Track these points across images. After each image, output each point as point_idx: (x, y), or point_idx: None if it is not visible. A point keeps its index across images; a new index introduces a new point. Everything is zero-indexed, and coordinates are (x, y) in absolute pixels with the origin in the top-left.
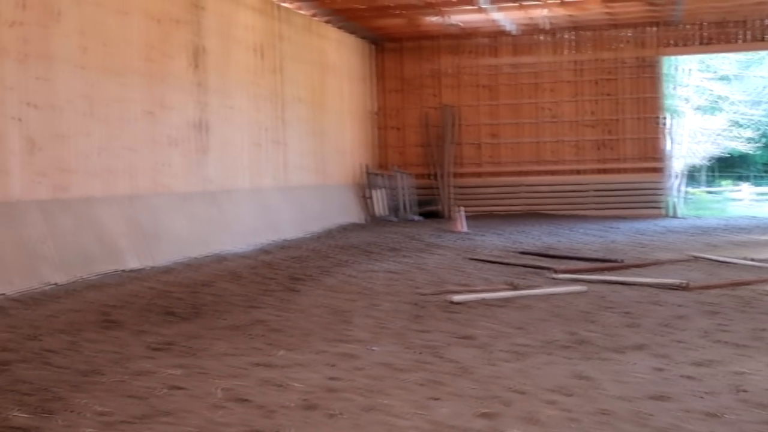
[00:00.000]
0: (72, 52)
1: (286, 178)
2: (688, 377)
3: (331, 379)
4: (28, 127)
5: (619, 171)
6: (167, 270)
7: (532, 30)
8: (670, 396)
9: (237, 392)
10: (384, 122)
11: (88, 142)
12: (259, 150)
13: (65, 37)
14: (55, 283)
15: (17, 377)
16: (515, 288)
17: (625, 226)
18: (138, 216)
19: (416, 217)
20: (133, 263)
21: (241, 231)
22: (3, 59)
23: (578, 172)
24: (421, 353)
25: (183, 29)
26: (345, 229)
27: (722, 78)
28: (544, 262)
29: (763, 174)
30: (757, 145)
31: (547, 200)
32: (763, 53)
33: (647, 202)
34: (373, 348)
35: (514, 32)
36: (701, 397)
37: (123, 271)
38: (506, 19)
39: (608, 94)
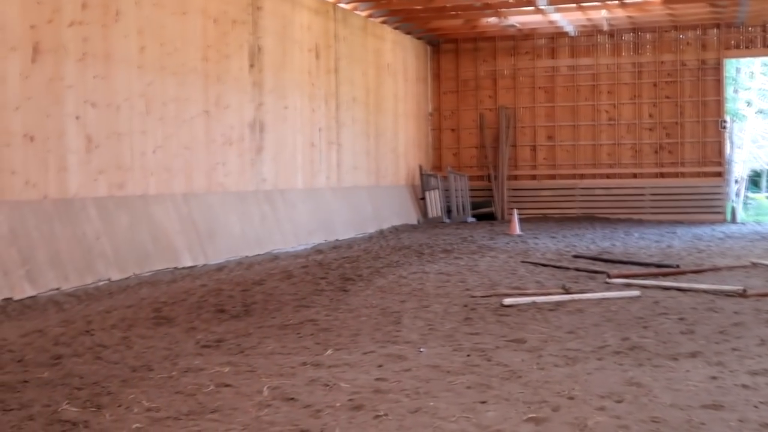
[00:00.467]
0: (130, 52)
1: (339, 178)
2: (744, 386)
3: (379, 379)
4: (86, 125)
5: (677, 175)
6: (220, 268)
7: (590, 31)
8: (724, 405)
9: (284, 391)
10: (439, 123)
11: (144, 141)
12: (314, 150)
13: (124, 36)
14: (109, 279)
15: (69, 371)
16: (568, 292)
17: (682, 231)
18: (192, 214)
19: (470, 219)
20: (186, 261)
21: (294, 230)
22: (63, 58)
23: (636, 175)
24: (469, 356)
25: (240, 29)
26: (398, 230)
27: None
28: (598, 266)
29: None
30: None
31: (603, 204)
32: None
33: (706, 206)
34: (422, 349)
35: (572, 34)
36: (756, 407)
37: (176, 268)
38: (565, 20)
39: (668, 97)
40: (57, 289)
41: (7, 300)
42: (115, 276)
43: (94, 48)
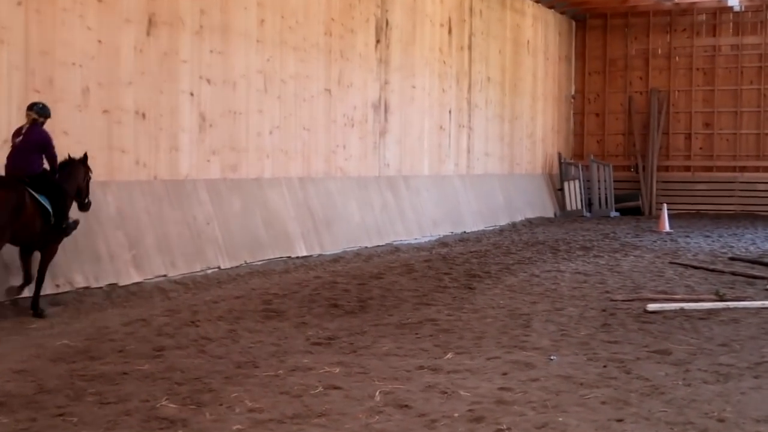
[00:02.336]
0: (249, 25)
1: (469, 165)
2: None
3: (503, 389)
4: (200, 103)
5: None
6: (336, 259)
7: (758, 6)
8: None
9: (398, 396)
10: (582, 107)
11: (260, 120)
12: (442, 134)
13: (243, 8)
14: (219, 267)
15: (171, 364)
16: (722, 299)
17: None
18: (309, 200)
19: (613, 214)
20: (301, 250)
21: (417, 220)
22: (179, 31)
23: None
24: (606, 366)
25: (367, 2)
26: (532, 223)
27: None
28: (758, 271)
29: None
30: None
31: (765, 200)
32: None
33: None
34: (553, 357)
35: (737, 8)
36: None
37: (290, 257)
38: None
39: None
40: (164, 275)
41: (112, 285)
42: (225, 264)
43: (212, 20)
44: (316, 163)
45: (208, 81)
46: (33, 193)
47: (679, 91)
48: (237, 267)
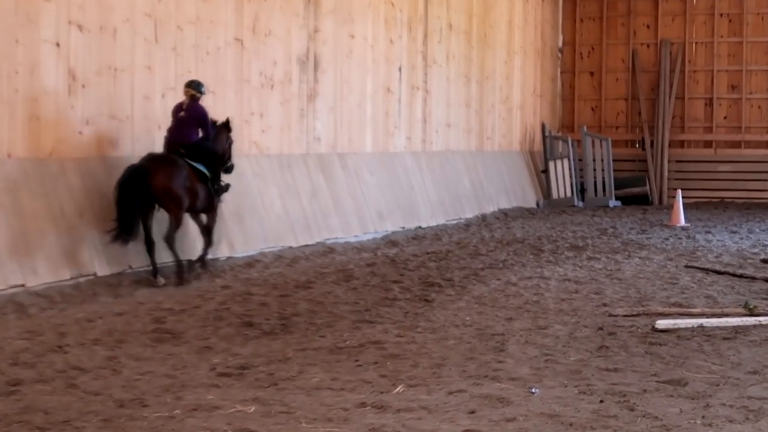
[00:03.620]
0: None
1: (426, 139)
2: None
3: None
4: (69, 56)
5: None
6: (250, 263)
7: None
8: None
9: None
10: (572, 64)
11: (150, 80)
12: (390, 98)
13: None
14: (94, 274)
15: (30, 403)
16: (752, 313)
17: None
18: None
19: (613, 203)
20: (200, 251)
21: (358, 212)
22: None
23: None
24: (603, 402)
25: None
26: (507, 215)
27: None
28: None
29: None
30: None
31: None
32: None
33: None
34: (534, 390)
35: None
36: None
37: (190, 261)
38: None
39: None
40: (21, 285)
41: None
42: (104, 270)
43: None
44: None
45: (80, 27)
46: (191, 162)
47: (697, 43)
48: (120, 274)
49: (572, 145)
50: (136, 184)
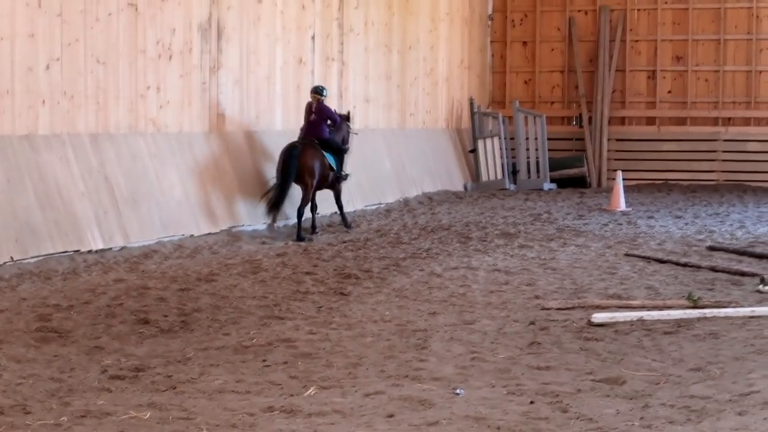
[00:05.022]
0: None
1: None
2: None
3: None
4: None
5: None
6: (147, 253)
7: None
8: None
9: None
10: (503, 32)
11: (32, 49)
12: (302, 70)
13: None
14: None
15: None
16: (696, 305)
17: None
18: (106, 167)
19: (548, 185)
20: (94, 241)
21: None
22: None
23: None
24: (533, 403)
25: None
26: (432, 199)
27: None
28: (747, 265)
29: None
30: None
31: (760, 166)
32: None
33: None
34: (459, 391)
35: None
36: None
37: (78, 252)
38: None
39: None
40: None
41: None
42: None
43: None
44: (117, 112)
45: None
46: (323, 152)
47: (639, 10)
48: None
49: (503, 122)
50: (292, 160)
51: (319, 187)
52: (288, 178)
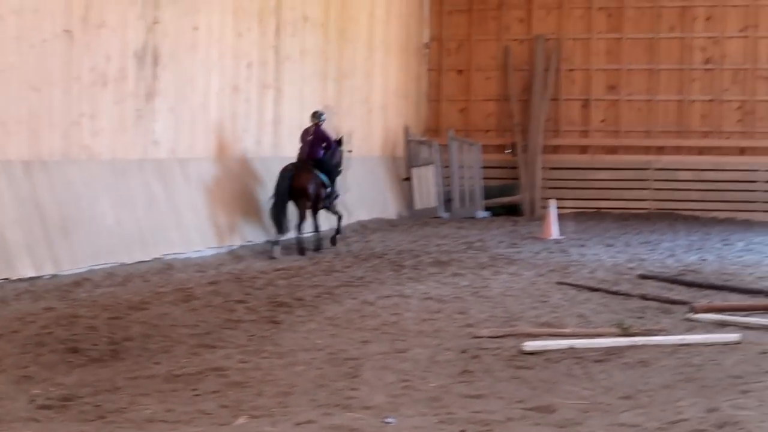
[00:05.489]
0: None
1: (278, 143)
2: None
3: None
4: None
5: None
6: (78, 281)
7: None
8: None
9: None
10: (439, 61)
11: None
12: (238, 98)
13: None
14: None
15: None
16: (627, 333)
17: None
18: (38, 194)
19: (482, 214)
20: (24, 268)
21: (200, 225)
22: None
23: (744, 150)
24: (464, 431)
25: None
26: (366, 227)
27: None
28: (677, 294)
29: None
30: None
31: (690, 194)
32: None
33: None
34: (390, 420)
35: None
36: None
37: (8, 280)
38: None
39: None
40: None
41: None
42: None
43: None
44: (50, 139)
45: None
46: (317, 172)
47: (573, 39)
48: None
49: (438, 151)
50: (286, 183)
51: (316, 205)
52: (282, 197)
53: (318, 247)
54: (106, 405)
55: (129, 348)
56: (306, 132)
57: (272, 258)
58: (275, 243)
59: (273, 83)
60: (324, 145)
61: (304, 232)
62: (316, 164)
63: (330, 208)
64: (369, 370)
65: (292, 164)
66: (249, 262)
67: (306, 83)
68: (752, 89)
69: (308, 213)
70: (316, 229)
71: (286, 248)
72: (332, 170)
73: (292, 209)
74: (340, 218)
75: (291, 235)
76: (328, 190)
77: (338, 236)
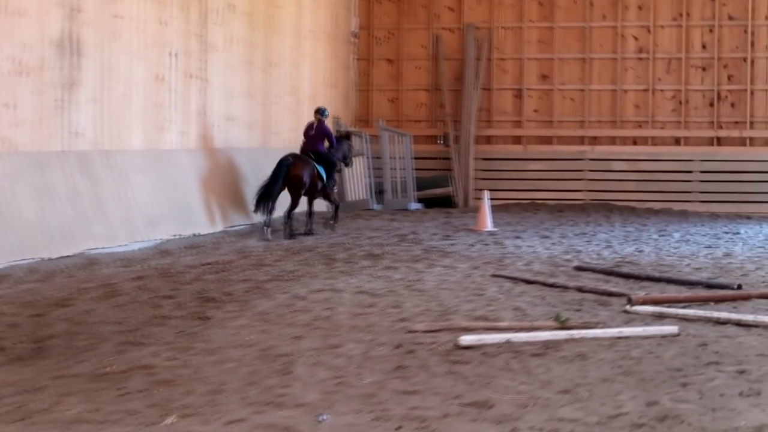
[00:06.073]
0: None
1: (204, 134)
2: None
3: None
4: None
5: (744, 142)
6: None
7: None
8: None
9: None
10: (368, 50)
11: None
12: (162, 88)
13: None
14: None
15: None
16: (564, 326)
17: (750, 230)
18: None
19: (414, 205)
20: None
21: (125, 218)
22: None
23: (679, 141)
24: (400, 428)
25: None
26: (297, 220)
27: None
28: (614, 285)
29: None
30: None
31: (626, 185)
32: None
33: None
34: (323, 417)
35: None
36: None
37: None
38: None
39: (731, 18)
40: None
41: None
42: None
43: None
44: None
45: None
46: (315, 164)
47: (505, 28)
48: None
49: (368, 141)
50: (283, 171)
51: (312, 194)
52: (276, 180)
53: (309, 232)
54: (29, 405)
55: (53, 346)
56: (309, 127)
57: (265, 240)
58: (267, 225)
59: (198, 73)
60: (326, 140)
61: (293, 218)
62: (317, 157)
63: (328, 197)
64: (301, 366)
65: (292, 154)
66: (176, 257)
67: (233, 73)
68: (687, 79)
69: (301, 201)
70: (310, 215)
71: (276, 231)
72: (331, 164)
73: (281, 199)
74: (337, 207)
75: (260, 218)
76: (325, 182)
77: (333, 223)
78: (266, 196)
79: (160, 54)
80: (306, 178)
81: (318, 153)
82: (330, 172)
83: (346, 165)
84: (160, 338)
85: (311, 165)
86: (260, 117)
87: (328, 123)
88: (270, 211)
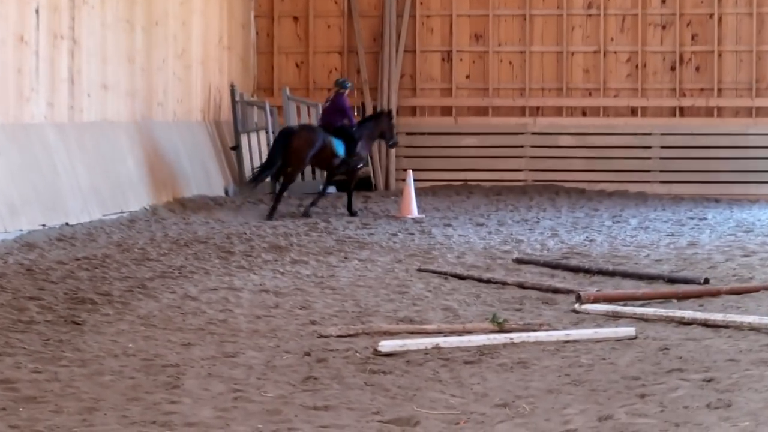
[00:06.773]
0: None
1: (75, 105)
2: None
3: None
4: None
5: (710, 112)
6: None
7: None
8: None
9: None
10: (269, 5)
11: None
12: (24, 50)
13: None
14: None
15: None
16: (502, 329)
17: (717, 214)
18: None
19: (328, 189)
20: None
21: None
22: None
23: (636, 111)
24: None
25: None
26: (186, 206)
27: None
28: (560, 281)
29: None
30: None
31: (574, 163)
32: None
33: (761, 170)
34: None
35: None
36: None
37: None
38: None
39: None
40: None
41: None
42: None
43: None
44: None
45: None
46: (331, 138)
47: None
48: None
49: (271, 113)
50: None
51: (323, 167)
52: (275, 151)
53: (306, 213)
54: None
55: None
56: (326, 100)
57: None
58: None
59: (67, 33)
60: (342, 114)
61: (319, 195)
62: (336, 132)
63: (351, 175)
64: (192, 378)
65: (300, 125)
66: (43, 251)
67: (108, 33)
68: (644, 40)
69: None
70: (320, 193)
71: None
72: (352, 139)
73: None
74: (350, 192)
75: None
76: (342, 159)
77: (354, 211)
78: (266, 167)
79: (22, 11)
80: (309, 151)
81: (336, 128)
82: (351, 147)
83: (390, 145)
84: (23, 347)
85: (321, 138)
86: (142, 85)
87: (348, 97)
88: (257, 180)
